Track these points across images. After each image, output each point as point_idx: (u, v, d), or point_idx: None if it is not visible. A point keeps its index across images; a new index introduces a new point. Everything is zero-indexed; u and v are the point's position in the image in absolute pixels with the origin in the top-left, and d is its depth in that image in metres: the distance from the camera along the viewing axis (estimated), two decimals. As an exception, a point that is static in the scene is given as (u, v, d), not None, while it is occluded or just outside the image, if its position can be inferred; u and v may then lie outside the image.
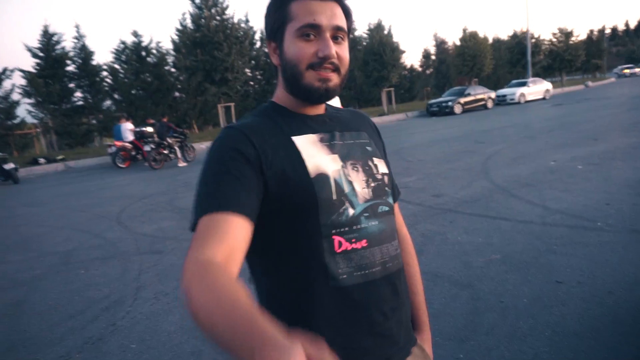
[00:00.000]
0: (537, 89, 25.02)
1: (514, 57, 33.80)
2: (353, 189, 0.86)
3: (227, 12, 21.99)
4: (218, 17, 21.43)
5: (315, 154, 0.86)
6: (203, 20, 20.92)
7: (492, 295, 2.90)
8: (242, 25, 23.76)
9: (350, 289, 0.83)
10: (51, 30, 23.83)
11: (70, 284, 3.94)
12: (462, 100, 21.52)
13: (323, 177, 0.84)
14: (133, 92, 25.79)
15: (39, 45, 23.56)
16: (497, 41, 41.88)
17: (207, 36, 20.57)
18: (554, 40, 36.44)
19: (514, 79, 30.47)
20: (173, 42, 25.46)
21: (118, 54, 25.92)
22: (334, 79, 0.87)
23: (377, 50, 24.86)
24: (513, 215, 4.52)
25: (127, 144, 13.35)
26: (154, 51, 26.37)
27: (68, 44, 24.59)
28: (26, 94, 23.51)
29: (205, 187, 0.81)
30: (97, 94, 25.34)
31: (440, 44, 44.13)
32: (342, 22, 0.87)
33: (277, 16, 0.88)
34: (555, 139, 9.53)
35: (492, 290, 2.98)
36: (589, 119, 12.78)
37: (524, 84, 24.86)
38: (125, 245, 5.01)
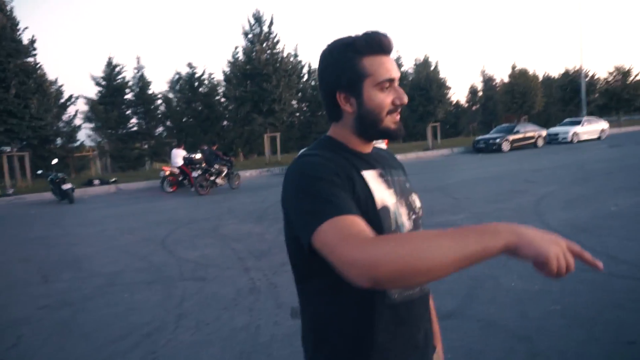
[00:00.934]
0: (591, 128, 23.97)
1: (567, 95, 32.69)
2: (403, 221, 1.00)
3: (277, 46, 22.76)
4: (269, 51, 22.21)
5: (379, 188, 0.99)
6: (254, 53, 21.73)
7: (553, 352, 2.66)
8: (291, 59, 24.46)
9: (399, 306, 0.98)
10: (115, 61, 25.52)
11: (115, 306, 3.99)
12: (511, 137, 20.92)
13: (386, 210, 0.97)
14: (184, 119, 26.94)
15: (103, 75, 25.24)
16: (547, 79, 40.87)
17: (257, 68, 21.30)
18: (610, 78, 35.10)
19: (566, 118, 29.44)
20: (224, 73, 26.53)
21: (173, 83, 27.33)
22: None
23: (424, 86, 24.81)
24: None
25: (175, 169, 13.81)
26: (206, 82, 27.59)
27: (128, 74, 26.29)
28: (87, 119, 25.09)
29: (313, 199, 0.85)
30: (151, 120, 26.67)
31: (488, 81, 43.45)
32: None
33: (351, 71, 0.98)
34: (615, 181, 8.99)
35: (552, 345, 2.74)
36: (651, 161, 12.04)
37: (577, 123, 23.90)
38: (169, 270, 5.06)
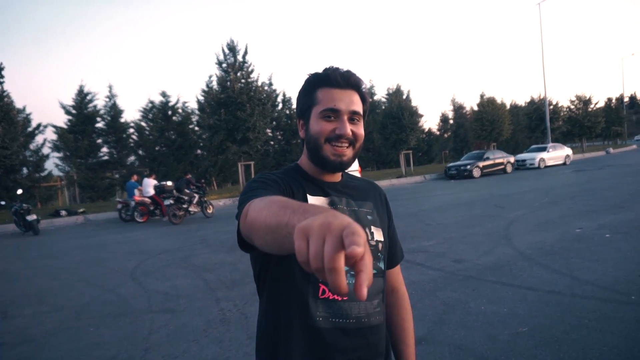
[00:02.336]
0: (557, 154, 24.95)
1: (533, 123, 34.00)
2: None
3: (252, 75, 23.00)
4: (243, 80, 22.40)
5: None
6: (228, 82, 21.88)
7: (521, 374, 2.69)
8: (266, 87, 24.72)
9: (323, 331, 0.99)
10: (86, 89, 25.21)
11: (79, 341, 3.83)
12: (481, 164, 21.52)
13: None
14: (157, 148, 26.63)
15: (73, 103, 24.85)
16: (514, 107, 42.47)
17: (231, 97, 21.40)
18: (572, 107, 36.77)
19: (533, 144, 30.53)
20: (198, 102, 26.57)
21: (145, 112, 27.12)
22: (348, 154, 1.06)
23: (396, 114, 25.38)
24: (539, 284, 4.31)
25: (146, 199, 13.57)
26: (180, 110, 27.50)
27: (100, 102, 25.99)
28: (56, 148, 24.48)
29: (249, 192, 0.93)
30: (122, 149, 26.24)
31: (458, 109, 44.91)
32: (358, 107, 1.07)
33: (306, 100, 1.09)
34: (579, 205, 9.32)
35: (521, 367, 2.77)
36: (612, 185, 12.54)
37: (543, 149, 24.85)
38: (137, 302, 4.91)
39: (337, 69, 1.08)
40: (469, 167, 21.18)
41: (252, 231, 0.72)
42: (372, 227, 1.11)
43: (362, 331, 1.03)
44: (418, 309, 3.93)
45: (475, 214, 9.41)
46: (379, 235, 1.11)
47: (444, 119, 45.27)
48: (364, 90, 1.10)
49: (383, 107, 33.40)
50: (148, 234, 10.75)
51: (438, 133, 44.86)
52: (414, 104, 27.47)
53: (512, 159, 23.18)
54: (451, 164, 22.87)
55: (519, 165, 24.08)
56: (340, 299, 1.00)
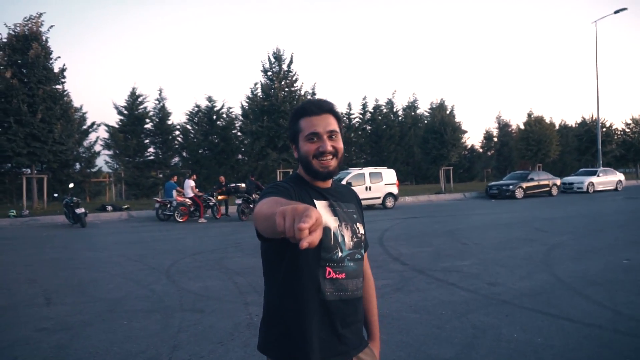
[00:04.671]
0: (608, 179, 23.72)
1: (583, 145, 32.53)
2: (344, 240, 1.36)
3: (295, 84, 23.35)
4: (287, 88, 22.78)
5: (325, 214, 1.34)
6: (273, 90, 22.30)
7: (551, 409, 2.56)
8: (309, 96, 25.03)
9: (330, 303, 1.32)
10: (138, 92, 26.41)
11: (112, 333, 3.99)
12: (525, 184, 20.80)
13: (327, 229, 1.32)
14: (200, 151, 27.44)
15: (125, 104, 26.07)
16: (564, 127, 40.87)
17: (274, 105, 21.81)
18: (627, 130, 34.96)
19: (582, 167, 29.18)
20: (242, 108, 27.22)
21: (192, 115, 28.07)
22: (332, 164, 1.38)
23: (438, 129, 25.01)
24: (579, 316, 4.10)
25: (187, 200, 14.00)
26: (224, 115, 28.27)
27: (150, 104, 27.08)
28: (107, 146, 25.73)
29: (263, 197, 1.21)
30: (167, 150, 27.23)
31: (504, 126, 43.66)
32: (334, 127, 1.38)
33: (293, 129, 1.42)
34: (629, 235, 8.82)
35: (551, 402, 2.64)
36: (667, 216, 11.79)
37: (593, 173, 23.70)
38: (169, 299, 5.06)
39: (311, 100, 1.42)
40: (511, 187, 20.52)
41: (256, 220, 1.05)
42: (357, 223, 1.44)
43: (354, 301, 1.38)
44: (447, 330, 3.83)
45: (514, 236, 9.09)
46: (361, 229, 1.46)
47: (488, 137, 44.13)
48: (336, 111, 1.41)
49: (425, 122, 32.98)
50: (185, 234, 11.06)
51: (481, 150, 43.78)
52: (457, 119, 26.97)
53: (558, 182, 22.27)
54: (493, 183, 22.25)
55: (566, 189, 23.08)
56: (341, 277, 1.34)
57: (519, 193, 20.42)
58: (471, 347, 3.48)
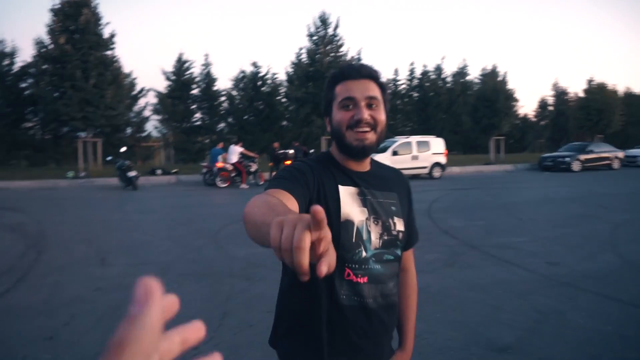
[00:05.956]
0: (677, 153, 21.92)
1: (650, 115, 30.20)
2: (370, 237, 1.13)
3: (341, 49, 22.76)
4: (332, 54, 22.25)
5: (349, 204, 1.12)
6: (318, 55, 21.85)
7: (630, 407, 2.34)
8: (355, 62, 24.38)
9: (346, 308, 1.11)
10: (184, 57, 26.67)
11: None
12: (583, 157, 19.56)
13: (349, 224, 1.11)
14: (245, 117, 27.63)
15: (173, 70, 26.46)
16: (629, 95, 37.93)
17: (319, 71, 21.41)
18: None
19: (647, 140, 27.13)
20: (287, 74, 26.94)
21: (237, 81, 28.14)
22: (370, 137, 1.13)
23: (490, 97, 23.82)
24: (653, 303, 3.76)
25: (228, 166, 14.12)
26: (269, 81, 28.15)
27: (196, 70, 27.29)
28: (155, 111, 26.39)
29: (274, 180, 1.07)
30: (214, 116, 27.60)
31: (561, 94, 41.00)
32: (374, 93, 1.13)
33: (327, 97, 1.19)
34: None
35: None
36: None
37: (661, 146, 21.94)
38: (218, 265, 5.10)
39: (351, 64, 1.20)
40: (567, 159, 19.37)
41: (245, 221, 0.83)
42: (394, 217, 1.20)
43: (376, 310, 1.14)
44: (506, 312, 3.61)
45: (573, 212, 8.55)
46: (400, 225, 1.20)
47: (543, 105, 41.71)
48: (380, 78, 1.17)
49: (475, 89, 31.52)
50: (231, 199, 11.21)
51: (534, 120, 41.56)
52: (510, 86, 25.57)
53: (620, 154, 20.80)
54: (547, 155, 21.09)
55: (629, 162, 21.53)
56: (362, 281, 1.12)
57: (576, 166, 19.27)
58: (534, 332, 3.26)
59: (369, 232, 1.12)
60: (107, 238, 6.69)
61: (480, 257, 5.35)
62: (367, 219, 1.13)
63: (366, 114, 1.10)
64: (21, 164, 23.93)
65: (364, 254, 1.11)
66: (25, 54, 49.71)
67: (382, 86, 1.16)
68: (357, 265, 1.11)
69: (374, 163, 1.26)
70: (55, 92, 18.46)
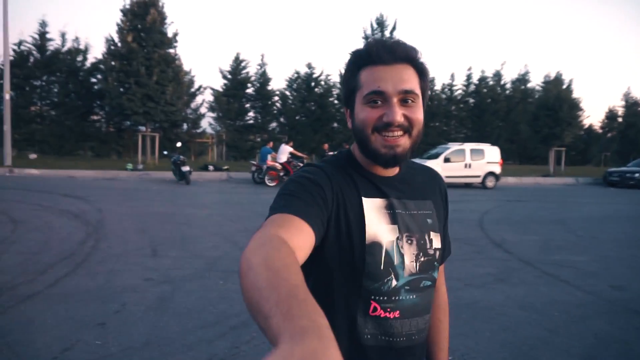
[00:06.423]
0: None
1: None
2: (402, 261, 0.91)
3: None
4: (387, 57, 22.04)
5: (376, 221, 0.91)
6: (372, 58, 21.70)
7: None
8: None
9: (370, 349, 0.90)
10: (241, 57, 27.37)
11: (208, 291, 4.13)
12: (654, 173, 18.14)
13: (376, 246, 0.89)
14: (297, 117, 27.92)
15: (229, 69, 27.22)
16: None
17: (373, 74, 21.24)
18: None
19: None
20: (340, 75, 26.95)
21: (291, 82, 28.50)
22: (402, 143, 0.89)
23: (552, 105, 22.62)
24: None
25: (277, 165, 14.31)
26: (322, 83, 28.30)
27: (252, 69, 27.94)
28: (211, 108, 27.25)
29: (281, 198, 0.85)
30: (266, 115, 28.12)
31: (632, 105, 38.19)
32: (411, 85, 0.87)
33: (349, 84, 0.93)
34: None
35: None
36: None
37: None
38: (263, 264, 5.13)
39: (381, 41, 0.90)
40: (637, 175, 18.04)
41: (241, 279, 0.59)
42: (431, 233, 0.97)
43: (412, 349, 0.95)
44: (561, 335, 3.37)
45: (642, 233, 7.92)
46: (437, 241, 0.98)
47: (611, 116, 39.06)
48: (419, 62, 0.90)
49: (537, 97, 30.06)
50: (279, 199, 11.32)
51: (600, 131, 39.04)
52: (575, 95, 24.14)
53: (699, 173, 19.09)
54: (613, 169, 19.75)
55: None
56: (392, 316, 0.91)
57: (645, 183, 17.91)
58: (593, 358, 3.01)
59: (401, 255, 0.91)
60: (160, 230, 6.94)
61: (535, 274, 5.05)
62: (398, 238, 0.91)
63: (399, 115, 0.86)
64: (87, 154, 25.53)
65: (394, 282, 0.90)
66: (97, 51, 53.06)
67: (422, 73, 0.91)
68: (386, 298, 0.90)
69: (403, 163, 1.02)
70: (120, 88, 19.52)
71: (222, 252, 5.63)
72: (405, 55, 0.89)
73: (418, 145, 0.93)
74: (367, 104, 0.88)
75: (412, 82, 0.88)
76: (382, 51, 0.88)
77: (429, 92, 0.96)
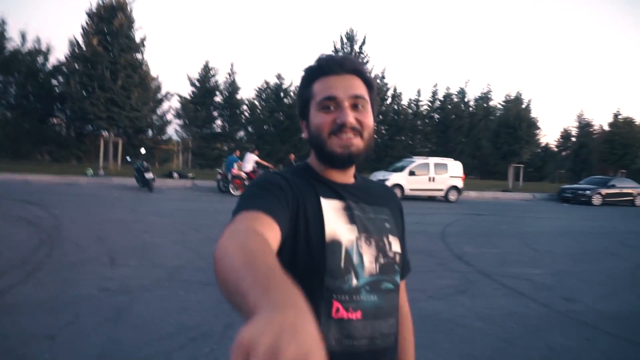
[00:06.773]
0: None
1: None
2: (362, 261, 0.92)
3: (366, 66, 22.87)
4: (356, 71, 22.38)
5: (335, 220, 0.92)
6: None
7: None
8: (378, 81, 24.45)
9: (333, 355, 0.84)
10: (210, 65, 27.14)
11: (168, 302, 4.02)
12: (604, 191, 19.13)
13: (336, 244, 0.90)
14: (265, 127, 27.83)
15: (198, 77, 26.91)
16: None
17: (342, 86, 21.51)
18: None
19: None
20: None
21: (260, 92, 28.44)
22: (357, 144, 0.94)
23: (512, 124, 23.54)
24: (675, 351, 3.57)
25: (242, 173, 14.20)
26: (292, 94, 28.39)
27: (221, 78, 27.72)
28: (177, 115, 26.80)
29: (245, 200, 0.85)
30: (234, 124, 27.89)
31: (585, 126, 40.39)
32: (360, 91, 0.95)
33: (304, 96, 0.99)
34: None
35: None
36: None
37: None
38: (226, 274, 5.04)
39: (331, 55, 0.99)
40: (588, 192, 18.96)
41: (215, 270, 0.61)
42: (389, 235, 1.00)
43: (374, 354, 0.92)
44: (517, 347, 3.47)
45: (593, 247, 8.30)
46: (396, 245, 1.00)
47: (566, 136, 41.11)
48: (366, 74, 0.99)
49: (498, 115, 31.23)
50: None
51: (556, 150, 40.92)
52: (533, 114, 25.24)
53: (644, 192, 20.27)
54: (567, 186, 20.70)
55: (652, 200, 20.95)
56: (355, 317, 0.89)
57: (596, 200, 18.83)
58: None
59: (360, 255, 0.92)
60: (119, 238, 6.72)
61: (494, 286, 5.19)
62: (357, 238, 0.93)
63: (351, 117, 0.92)
64: (45, 158, 24.48)
65: (354, 281, 0.90)
66: (59, 53, 51.27)
67: (369, 83, 0.98)
68: (347, 297, 0.89)
69: (359, 176, 1.08)
70: (83, 91, 18.91)
71: (184, 261, 5.49)
72: (354, 68, 0.97)
73: (370, 148, 0.98)
74: (321, 110, 0.94)
75: (361, 89, 0.96)
76: (332, 63, 0.96)
77: (379, 105, 1.04)
